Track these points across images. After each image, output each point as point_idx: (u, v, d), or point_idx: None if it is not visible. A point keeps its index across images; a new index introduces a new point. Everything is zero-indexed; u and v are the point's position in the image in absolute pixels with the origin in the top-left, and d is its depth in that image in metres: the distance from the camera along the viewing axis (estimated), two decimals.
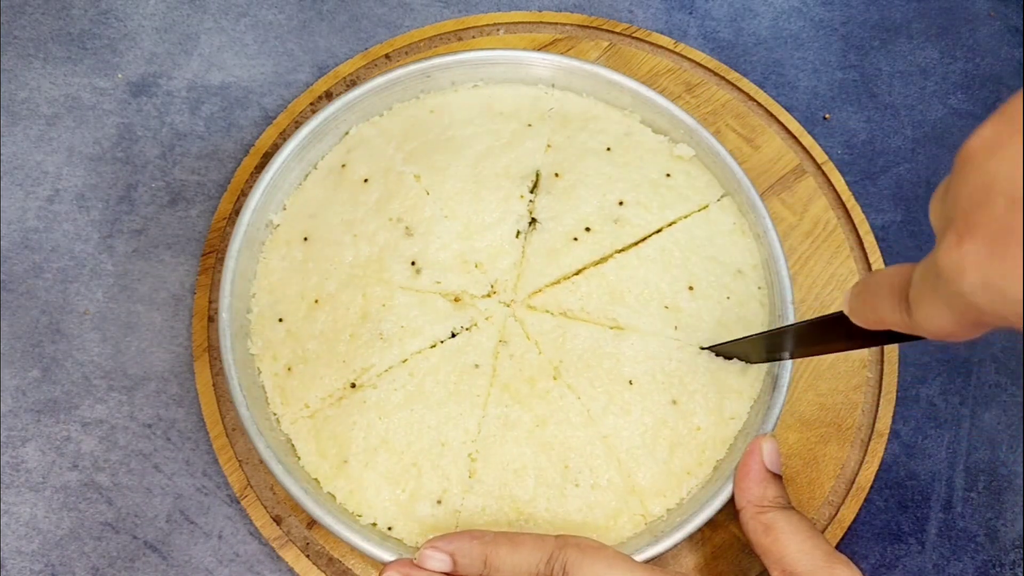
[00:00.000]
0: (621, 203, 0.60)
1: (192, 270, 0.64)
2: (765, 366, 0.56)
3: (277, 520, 0.56)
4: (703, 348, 0.57)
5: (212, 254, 0.64)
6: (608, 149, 0.62)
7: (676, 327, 0.56)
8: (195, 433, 0.60)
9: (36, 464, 0.58)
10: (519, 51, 0.64)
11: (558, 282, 0.58)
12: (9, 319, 0.62)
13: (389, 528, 0.52)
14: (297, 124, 0.68)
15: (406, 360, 0.55)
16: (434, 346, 0.56)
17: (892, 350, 0.62)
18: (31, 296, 0.63)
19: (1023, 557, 0.60)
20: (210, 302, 0.62)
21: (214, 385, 0.59)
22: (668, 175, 0.62)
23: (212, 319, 0.61)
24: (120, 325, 0.62)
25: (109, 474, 0.58)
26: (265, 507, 0.56)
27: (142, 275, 0.64)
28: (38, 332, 0.62)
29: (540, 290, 0.58)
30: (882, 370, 0.61)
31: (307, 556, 0.55)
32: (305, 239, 0.59)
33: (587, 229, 0.59)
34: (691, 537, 0.51)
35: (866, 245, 0.65)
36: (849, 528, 0.57)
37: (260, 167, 0.66)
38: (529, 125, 0.63)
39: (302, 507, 0.50)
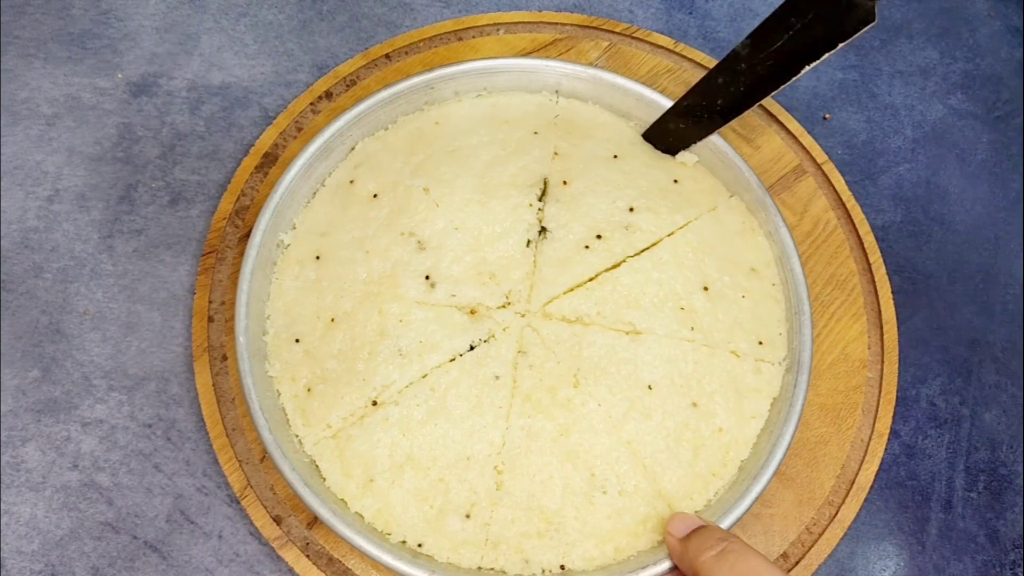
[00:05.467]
0: (632, 209, 0.59)
1: (192, 270, 0.64)
2: (784, 364, 0.56)
3: (277, 520, 0.56)
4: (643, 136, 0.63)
5: (212, 254, 0.64)
6: (615, 156, 0.62)
7: (692, 328, 0.56)
8: (195, 433, 0.60)
9: (36, 464, 0.58)
10: (523, 59, 0.64)
11: (572, 290, 0.57)
12: (9, 319, 0.62)
13: (419, 545, 0.52)
14: (298, 124, 0.68)
15: (426, 375, 0.55)
16: (453, 360, 0.56)
17: (892, 351, 0.62)
18: (31, 296, 0.63)
19: (1023, 557, 0.60)
20: (210, 302, 0.62)
21: (214, 385, 0.59)
22: (675, 180, 0.62)
23: (212, 319, 0.61)
24: (120, 325, 0.62)
25: (109, 474, 0.58)
26: (265, 507, 0.56)
27: (142, 275, 0.64)
28: (38, 332, 0.62)
29: (555, 298, 0.57)
30: (882, 370, 0.61)
31: (307, 556, 0.55)
32: (317, 258, 0.59)
33: (598, 236, 0.58)
34: None
35: (866, 245, 0.65)
36: (849, 528, 0.57)
37: (260, 167, 0.66)
38: (535, 133, 0.63)
39: (332, 529, 0.50)
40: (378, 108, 0.62)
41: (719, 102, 0.57)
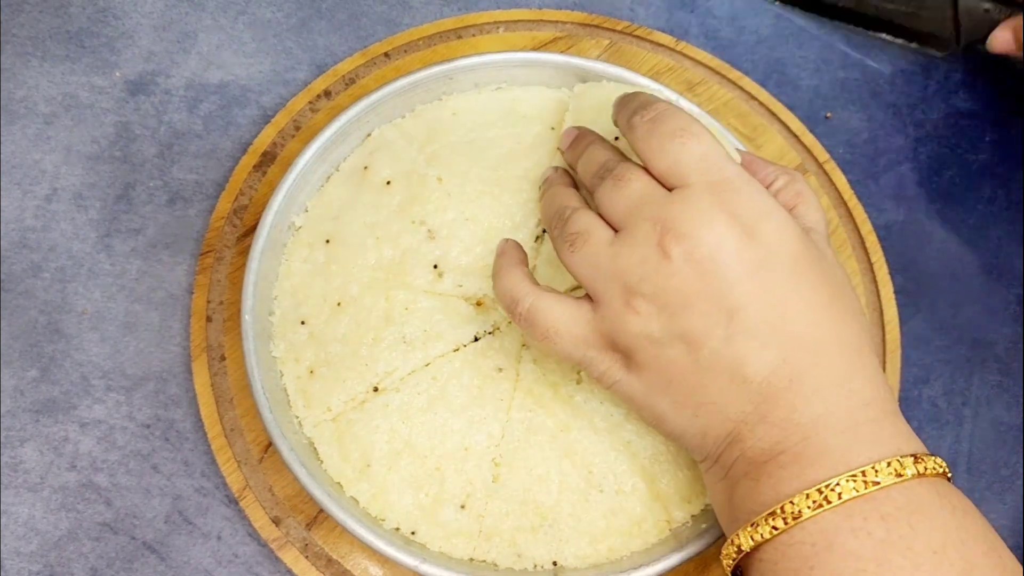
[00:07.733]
0: None
1: (190, 270, 0.64)
2: None
3: (276, 521, 0.56)
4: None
5: (210, 254, 0.63)
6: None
7: None
8: (193, 434, 0.59)
9: (34, 464, 0.58)
10: (544, 53, 0.64)
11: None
12: (7, 319, 0.62)
13: (412, 532, 0.52)
14: (296, 123, 0.68)
15: (429, 364, 0.55)
16: (457, 350, 0.55)
17: (894, 351, 0.62)
18: (29, 296, 0.63)
19: (1023, 556, 0.59)
20: (208, 302, 0.62)
21: (212, 385, 0.59)
22: None
23: (210, 319, 0.61)
24: (118, 325, 0.62)
25: (107, 474, 0.58)
26: (264, 508, 0.56)
27: (140, 275, 0.64)
28: (36, 332, 0.62)
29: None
30: (884, 370, 0.61)
31: (306, 557, 0.55)
32: (327, 241, 0.59)
33: None
34: (717, 544, 0.50)
35: (868, 244, 0.65)
36: None
37: (258, 166, 0.66)
38: (552, 128, 0.63)
39: (327, 512, 0.50)
40: (396, 96, 0.62)
41: None
